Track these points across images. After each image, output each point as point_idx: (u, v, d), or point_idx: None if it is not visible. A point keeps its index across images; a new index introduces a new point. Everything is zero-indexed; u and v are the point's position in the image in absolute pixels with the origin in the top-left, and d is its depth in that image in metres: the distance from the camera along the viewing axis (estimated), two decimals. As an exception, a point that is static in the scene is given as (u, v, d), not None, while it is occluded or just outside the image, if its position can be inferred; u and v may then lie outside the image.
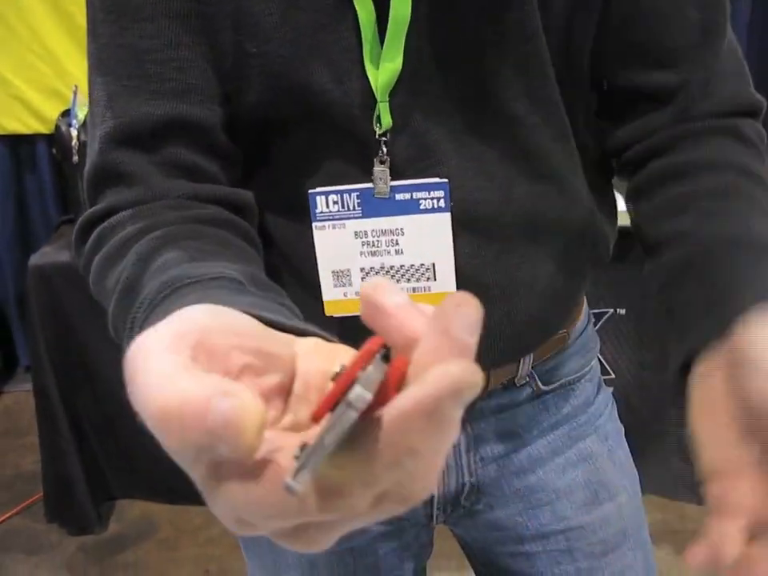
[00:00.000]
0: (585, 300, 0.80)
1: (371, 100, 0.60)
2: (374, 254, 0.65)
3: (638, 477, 0.84)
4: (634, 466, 0.84)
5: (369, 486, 0.27)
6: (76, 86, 2.14)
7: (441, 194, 0.63)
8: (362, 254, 0.65)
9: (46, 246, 2.13)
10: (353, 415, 0.26)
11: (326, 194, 0.63)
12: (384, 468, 0.26)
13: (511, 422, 0.77)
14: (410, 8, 0.57)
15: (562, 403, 0.79)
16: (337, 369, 0.30)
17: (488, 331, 0.58)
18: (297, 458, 0.26)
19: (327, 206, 0.64)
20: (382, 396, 0.27)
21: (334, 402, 0.27)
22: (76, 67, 2.58)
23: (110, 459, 2.16)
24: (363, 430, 0.26)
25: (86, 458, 2.10)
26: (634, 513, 0.79)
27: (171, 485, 2.16)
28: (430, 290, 0.65)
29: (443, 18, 0.59)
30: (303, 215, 0.65)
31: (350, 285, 0.65)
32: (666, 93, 0.65)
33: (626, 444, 0.85)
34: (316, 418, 0.28)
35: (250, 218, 0.62)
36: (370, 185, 0.63)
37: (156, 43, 0.59)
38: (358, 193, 0.63)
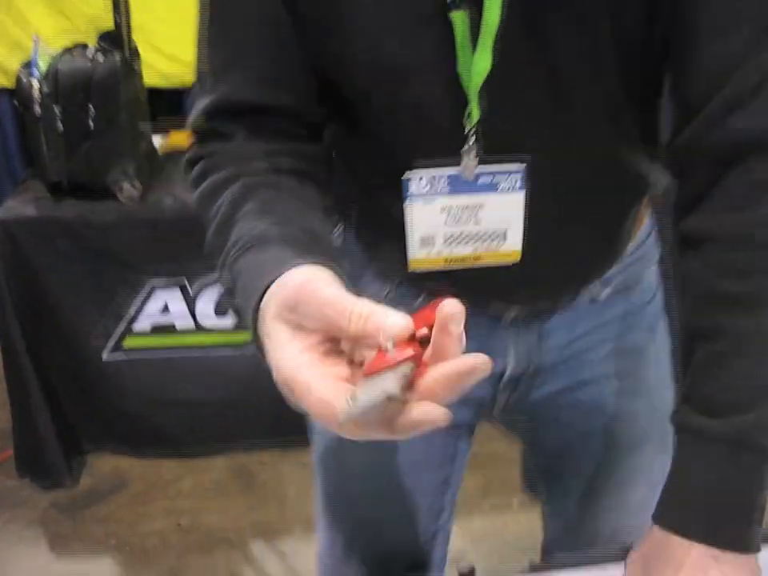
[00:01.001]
0: (647, 215, 0.88)
1: (462, 97, 0.68)
2: (456, 223, 0.75)
3: (673, 391, 0.91)
4: (671, 380, 0.93)
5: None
6: (36, 36, 2.09)
7: (518, 176, 0.73)
8: (446, 223, 0.75)
9: (11, 200, 2.08)
10: (393, 385, 0.44)
11: (420, 177, 0.73)
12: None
13: (572, 319, 0.88)
14: (500, 13, 0.64)
15: (619, 302, 0.89)
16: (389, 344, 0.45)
17: (554, 277, 0.82)
18: (349, 400, 0.44)
19: (420, 188, 0.73)
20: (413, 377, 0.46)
21: (382, 368, 0.44)
22: (36, 17, 2.50)
23: (79, 413, 2.16)
24: (412, 379, 0.46)
25: (55, 413, 2.10)
26: (664, 419, 0.78)
27: (140, 438, 2.17)
28: (499, 249, 0.77)
29: (526, 19, 0.66)
30: (397, 191, 0.74)
31: (433, 246, 0.76)
32: (701, 101, 0.66)
33: (669, 361, 0.93)
34: (367, 372, 0.44)
35: (325, 167, 0.75)
36: (458, 169, 0.72)
37: (258, 38, 0.69)
38: (448, 176, 0.73)
